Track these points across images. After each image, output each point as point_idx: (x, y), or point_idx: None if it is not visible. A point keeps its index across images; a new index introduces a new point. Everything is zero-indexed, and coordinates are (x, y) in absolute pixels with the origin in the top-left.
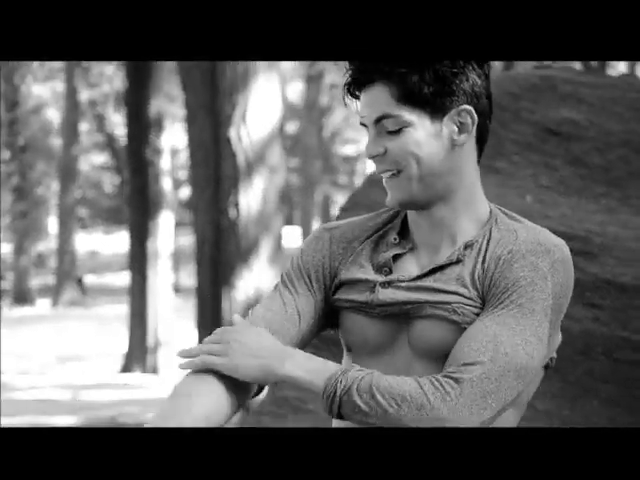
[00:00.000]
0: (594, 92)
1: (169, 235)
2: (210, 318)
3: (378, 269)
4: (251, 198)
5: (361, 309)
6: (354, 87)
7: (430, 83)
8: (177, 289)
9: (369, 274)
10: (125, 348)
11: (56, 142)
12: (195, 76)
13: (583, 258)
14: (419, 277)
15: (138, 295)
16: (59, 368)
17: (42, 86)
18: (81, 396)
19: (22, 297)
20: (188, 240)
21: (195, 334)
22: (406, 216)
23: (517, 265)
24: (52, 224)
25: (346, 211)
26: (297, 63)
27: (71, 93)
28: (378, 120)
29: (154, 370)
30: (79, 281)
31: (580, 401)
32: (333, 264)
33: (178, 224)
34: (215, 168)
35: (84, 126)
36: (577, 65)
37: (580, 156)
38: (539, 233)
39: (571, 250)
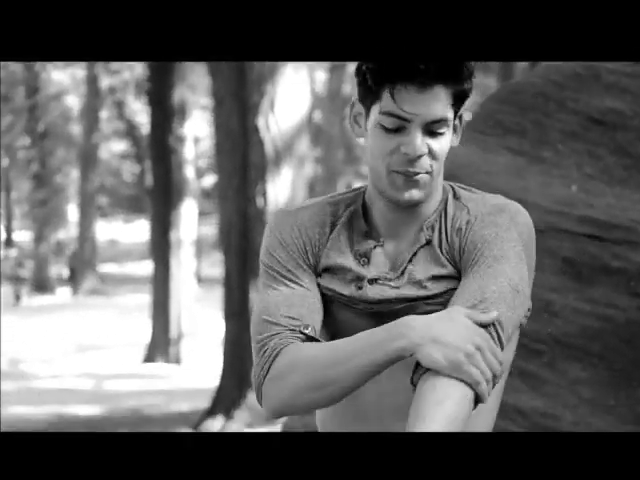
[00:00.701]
0: (638, 82)
1: (192, 224)
2: (237, 307)
3: (356, 257)
4: (279, 187)
5: (345, 302)
6: (406, 84)
7: (469, 84)
8: (199, 278)
9: (350, 262)
10: (148, 338)
11: (76, 129)
12: (223, 64)
13: (627, 247)
14: (402, 272)
15: (161, 284)
16: (80, 357)
17: (62, 72)
18: (103, 386)
19: (42, 285)
20: (210, 229)
21: (222, 323)
22: (364, 203)
23: (478, 227)
24: (72, 212)
25: None
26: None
27: (92, 80)
28: (432, 122)
29: (177, 360)
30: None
31: (625, 391)
32: (314, 250)
33: (200, 213)
34: (243, 156)
35: (104, 113)
36: None
37: (624, 145)
38: (490, 199)
39: (615, 239)
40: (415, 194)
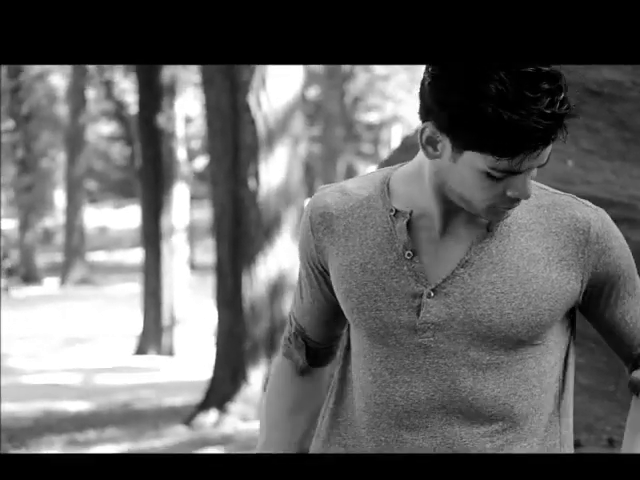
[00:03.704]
0: None
1: (184, 209)
2: (230, 295)
3: (398, 254)
4: (272, 168)
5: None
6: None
7: None
8: (193, 266)
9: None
10: (139, 329)
11: (62, 110)
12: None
13: (627, 226)
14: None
15: (152, 273)
16: (69, 350)
17: None
18: (94, 380)
19: (29, 276)
20: (204, 214)
21: (214, 312)
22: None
23: (612, 255)
24: (59, 198)
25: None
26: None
27: None
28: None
29: (170, 352)
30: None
31: (625, 377)
32: (320, 256)
33: (193, 197)
34: (234, 137)
35: (91, 93)
36: None
37: (623, 118)
38: (571, 204)
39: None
40: (508, 215)
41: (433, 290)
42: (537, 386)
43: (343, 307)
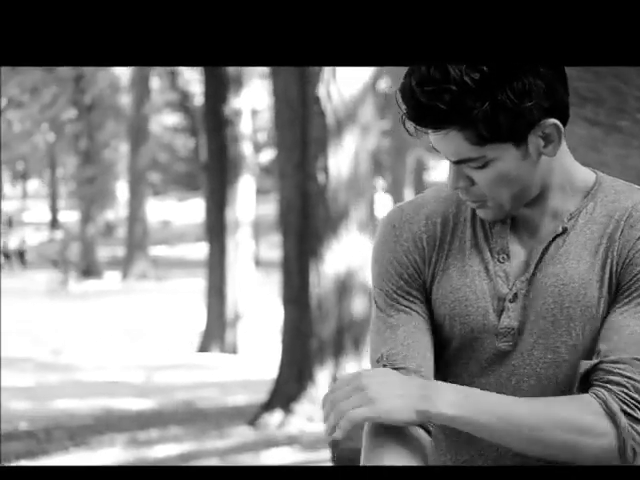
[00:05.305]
0: None
1: (249, 203)
2: (296, 292)
3: (492, 255)
4: (341, 161)
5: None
6: (419, 126)
7: (502, 117)
8: (258, 261)
9: (483, 264)
10: (202, 326)
11: (125, 100)
12: None
13: None
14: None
15: (217, 268)
16: (130, 347)
17: None
18: (155, 378)
19: (89, 269)
20: (270, 208)
21: (280, 310)
22: None
23: None
24: (121, 190)
25: None
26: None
27: None
28: (458, 162)
29: (234, 350)
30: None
31: None
32: (422, 267)
33: (259, 191)
34: (302, 129)
35: (155, 83)
36: None
37: None
38: None
39: None
40: (488, 216)
41: (515, 294)
42: None
43: (436, 314)
